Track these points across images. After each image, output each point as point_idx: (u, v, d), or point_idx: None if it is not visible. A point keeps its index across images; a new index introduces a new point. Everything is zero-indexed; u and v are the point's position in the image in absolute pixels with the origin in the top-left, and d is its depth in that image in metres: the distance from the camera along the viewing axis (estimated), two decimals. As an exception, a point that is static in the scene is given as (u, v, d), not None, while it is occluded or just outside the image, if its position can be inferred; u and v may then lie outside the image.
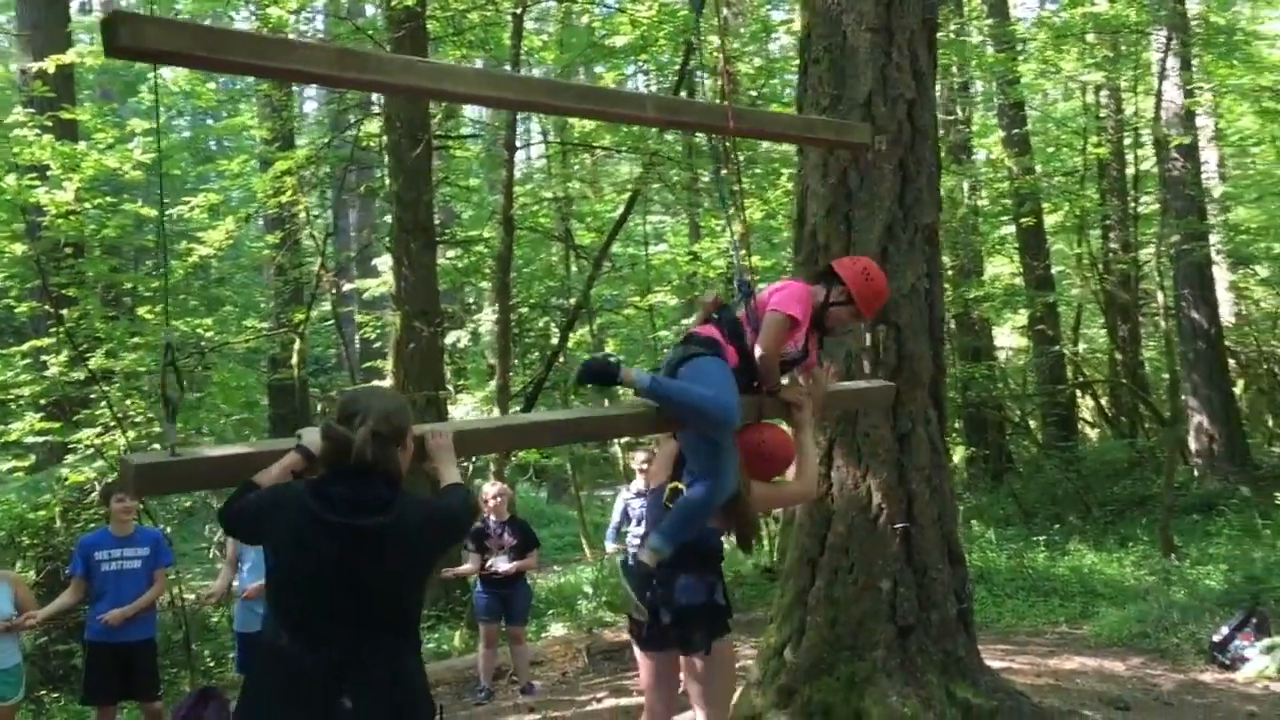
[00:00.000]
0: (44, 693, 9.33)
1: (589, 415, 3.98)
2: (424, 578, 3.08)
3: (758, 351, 4.11)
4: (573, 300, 14.18)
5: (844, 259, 4.58)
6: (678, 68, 13.75)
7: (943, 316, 6.46)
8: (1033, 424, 18.18)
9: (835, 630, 5.73)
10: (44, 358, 10.24)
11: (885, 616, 5.68)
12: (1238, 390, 17.04)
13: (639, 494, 8.68)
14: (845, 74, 5.97)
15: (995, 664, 6.75)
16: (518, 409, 12.03)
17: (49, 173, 9.88)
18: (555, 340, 14.38)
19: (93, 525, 9.70)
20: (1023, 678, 7.19)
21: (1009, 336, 20.75)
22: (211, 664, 10.11)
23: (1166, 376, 18.15)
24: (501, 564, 7.97)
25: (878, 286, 4.33)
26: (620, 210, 13.81)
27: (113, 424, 9.83)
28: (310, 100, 25.22)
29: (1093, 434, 20.59)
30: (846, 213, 5.93)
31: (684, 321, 16.43)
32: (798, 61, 14.91)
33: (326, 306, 15.70)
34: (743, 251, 4.54)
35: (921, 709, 5.40)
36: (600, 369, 3.99)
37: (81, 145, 10.07)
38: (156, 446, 10.11)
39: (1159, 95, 14.03)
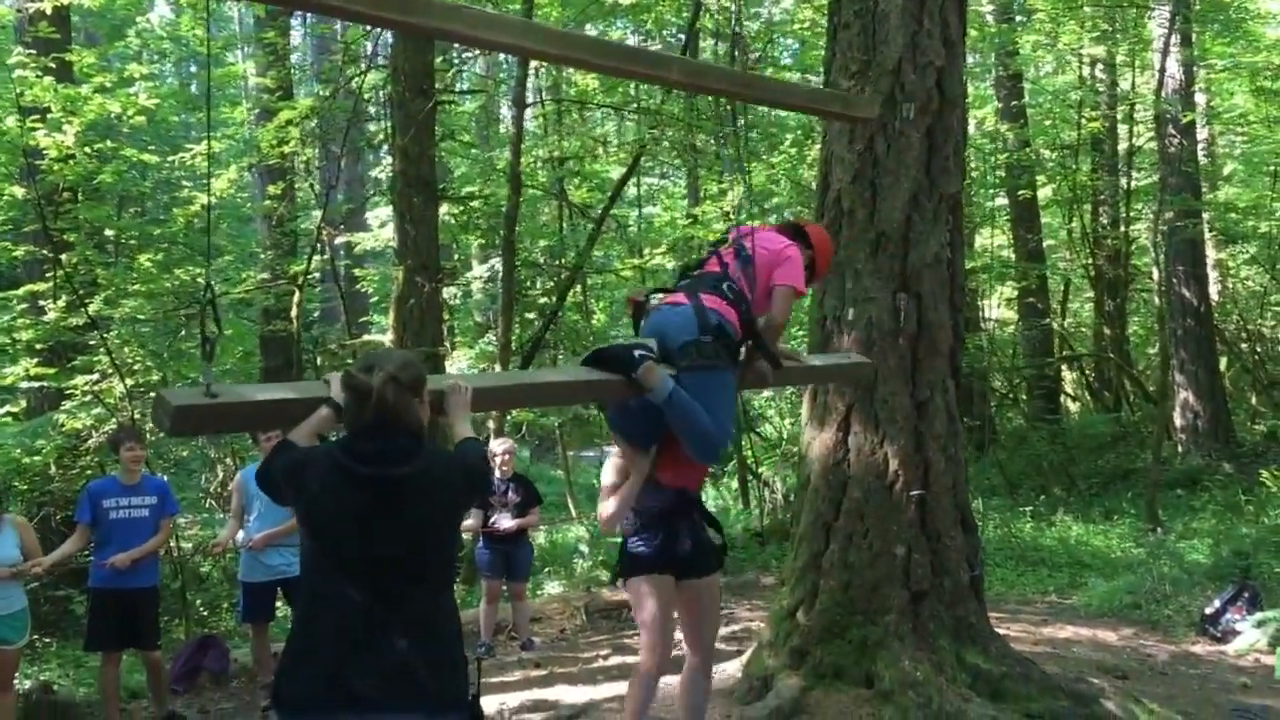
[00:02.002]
0: (37, 638, 9.28)
1: (607, 378, 3.86)
2: (452, 528, 3.16)
3: (771, 322, 4.20)
4: (566, 260, 14.12)
5: (814, 225, 4.75)
6: (681, 28, 13.66)
7: (964, 286, 6.48)
8: (1021, 396, 18.32)
9: (849, 594, 5.79)
10: (41, 302, 10.12)
11: (899, 582, 5.74)
12: (1222, 367, 17.20)
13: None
14: (875, 40, 5.94)
15: (993, 631, 6.84)
16: (514, 367, 12.00)
17: (49, 116, 9.73)
18: (546, 299, 14.31)
19: (89, 472, 9.63)
20: (1020, 645, 7.25)
21: (995, 309, 20.85)
22: (205, 613, 10.10)
23: (1151, 351, 18.36)
24: (505, 521, 7.99)
25: (831, 259, 4.75)
26: (621, 170, 13.72)
27: (110, 371, 9.74)
28: (297, 53, 24.87)
29: (1074, 407, 20.77)
30: (872, 179, 5.92)
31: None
32: (797, 25, 14.74)
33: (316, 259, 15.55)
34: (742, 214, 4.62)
35: (933, 673, 5.46)
36: (616, 356, 3.80)
37: (84, 89, 9.90)
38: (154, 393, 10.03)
39: (1162, 71, 14.01)
